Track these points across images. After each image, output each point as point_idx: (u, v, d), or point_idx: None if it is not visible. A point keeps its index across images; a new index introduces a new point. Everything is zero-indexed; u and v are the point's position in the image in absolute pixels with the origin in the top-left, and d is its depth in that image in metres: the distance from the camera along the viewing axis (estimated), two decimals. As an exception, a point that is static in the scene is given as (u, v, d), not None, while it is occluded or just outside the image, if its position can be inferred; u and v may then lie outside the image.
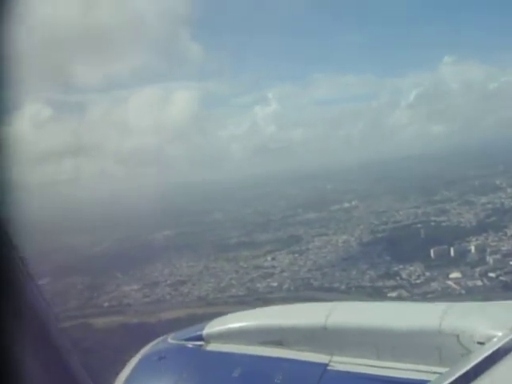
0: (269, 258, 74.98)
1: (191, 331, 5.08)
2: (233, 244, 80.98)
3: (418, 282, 64.87)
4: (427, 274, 65.38)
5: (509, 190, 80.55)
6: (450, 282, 63.27)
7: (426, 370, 3.86)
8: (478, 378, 3.25)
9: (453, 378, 3.26)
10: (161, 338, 5.25)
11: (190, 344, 4.91)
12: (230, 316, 5.08)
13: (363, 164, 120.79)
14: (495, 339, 3.61)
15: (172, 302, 69.29)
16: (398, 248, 70.48)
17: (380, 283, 65.87)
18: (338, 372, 4.17)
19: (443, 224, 75.57)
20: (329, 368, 4.20)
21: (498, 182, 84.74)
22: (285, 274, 70.73)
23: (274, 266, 73.08)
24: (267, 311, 5.31)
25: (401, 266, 67.39)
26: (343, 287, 66.37)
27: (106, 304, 69.33)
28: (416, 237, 73.11)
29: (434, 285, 63.41)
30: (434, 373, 3.76)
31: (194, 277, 73.71)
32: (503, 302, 4.64)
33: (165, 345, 5.07)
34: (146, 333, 59.41)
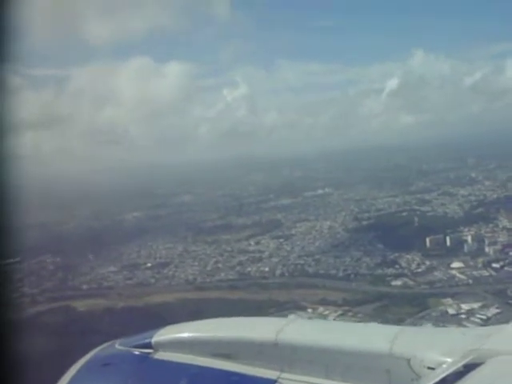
0: (252, 243, 72.47)
1: (140, 338, 4.87)
2: (209, 227, 77.79)
3: (419, 270, 63.37)
4: (427, 262, 64.06)
5: (486, 183, 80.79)
6: (454, 272, 61.79)
7: None
8: None
9: None
10: (108, 343, 4.98)
11: (137, 351, 4.73)
12: (180, 325, 4.93)
13: (331, 153, 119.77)
14: (445, 365, 3.61)
15: (157, 285, 65.68)
16: (389, 236, 68.81)
17: (379, 271, 64.03)
18: None
19: (429, 214, 74.64)
20: None
21: (473, 175, 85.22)
22: (274, 260, 68.22)
23: (260, 251, 70.56)
24: (218, 323, 5.10)
25: (396, 254, 65.68)
26: (341, 274, 64.34)
27: (84, 286, 65.07)
28: (406, 225, 71.90)
29: (438, 274, 62.02)
30: None
31: (175, 259, 70.09)
32: (455, 328, 5.54)
33: (112, 350, 4.87)
34: (134, 317, 55.59)
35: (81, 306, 60.53)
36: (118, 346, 4.91)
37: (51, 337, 51.71)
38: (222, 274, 66.31)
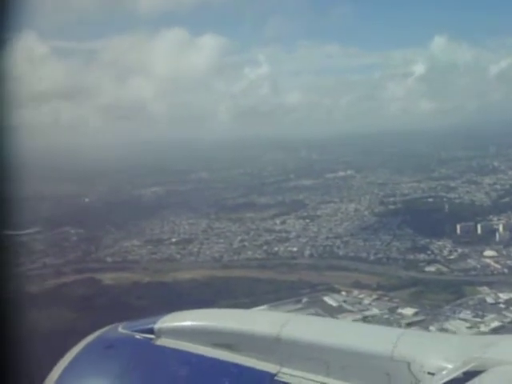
0: (277, 222, 71.26)
1: (143, 323, 4.83)
2: (231, 204, 76.47)
3: (451, 257, 62.61)
4: (459, 250, 63.24)
5: (510, 173, 79.67)
6: (488, 260, 60.85)
7: None
8: None
9: None
10: (110, 326, 4.91)
11: (140, 336, 4.71)
12: (184, 313, 4.91)
13: (350, 136, 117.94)
14: (445, 371, 3.63)
15: (183, 261, 64.57)
16: (418, 221, 67.93)
17: (411, 256, 63.15)
18: (285, 383, 4.14)
19: (457, 201, 73.40)
20: (276, 378, 4.17)
21: (496, 164, 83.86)
22: (302, 240, 67.20)
23: (286, 231, 69.40)
24: (222, 313, 5.10)
25: (427, 240, 64.76)
26: (372, 257, 63.48)
27: (108, 259, 63.87)
28: (434, 211, 70.95)
29: (471, 262, 61.34)
30: None
31: (199, 236, 68.93)
32: (457, 335, 5.42)
33: (114, 334, 4.82)
34: (163, 293, 54.17)
35: (106, 278, 59.39)
36: (121, 329, 4.87)
37: (78, 310, 50.45)
38: (249, 253, 65.20)
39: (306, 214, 73.00)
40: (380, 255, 63.65)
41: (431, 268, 60.84)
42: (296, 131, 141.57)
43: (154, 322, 4.73)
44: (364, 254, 64.02)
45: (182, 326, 4.69)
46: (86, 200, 75.94)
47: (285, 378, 4.15)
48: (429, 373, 3.70)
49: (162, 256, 64.82)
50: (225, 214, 73.36)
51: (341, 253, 64.73)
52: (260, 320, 4.68)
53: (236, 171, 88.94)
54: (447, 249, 63.59)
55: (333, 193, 78.45)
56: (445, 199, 74.36)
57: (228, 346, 4.43)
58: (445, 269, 60.71)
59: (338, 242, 66.36)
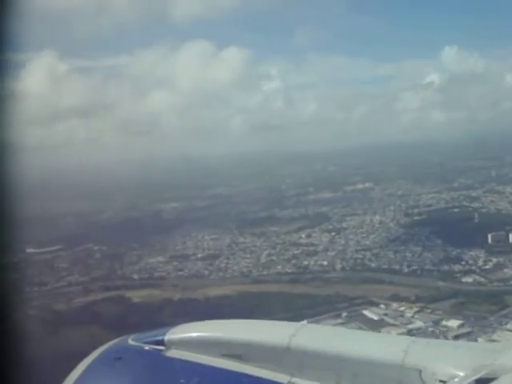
0: (303, 235, 69.76)
1: (153, 335, 4.77)
2: (252, 219, 75.03)
3: (487, 267, 61.36)
4: (493, 259, 62.00)
5: (532, 183, 78.95)
6: (526, 269, 59.84)
7: None
8: None
9: None
10: (120, 338, 4.86)
11: (150, 347, 4.64)
12: (193, 324, 4.85)
13: (364, 148, 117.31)
14: (457, 379, 3.63)
15: (212, 277, 63.01)
16: (446, 232, 66.70)
17: (446, 267, 61.89)
18: None
19: (483, 210, 72.25)
20: None
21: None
22: (330, 253, 65.71)
23: (313, 244, 67.88)
24: (232, 324, 5.02)
25: (459, 250, 63.48)
26: (406, 269, 62.16)
27: (135, 276, 62.32)
28: (462, 221, 69.76)
29: (509, 271, 60.17)
30: None
31: (224, 251, 67.23)
32: (468, 342, 5.23)
33: (124, 345, 4.77)
34: (195, 310, 52.49)
35: (136, 296, 58.03)
36: (131, 341, 4.78)
37: (110, 328, 48.60)
38: (279, 267, 63.65)
39: (331, 226, 71.65)
40: (413, 267, 62.28)
41: (468, 279, 59.64)
42: (311, 144, 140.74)
43: (164, 334, 4.70)
44: (397, 266, 62.63)
45: (192, 337, 4.66)
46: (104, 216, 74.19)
47: None
48: (440, 381, 3.69)
49: (190, 272, 63.30)
50: (248, 228, 71.81)
51: (373, 265, 63.36)
52: (269, 330, 4.69)
53: (253, 185, 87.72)
54: (481, 259, 62.21)
55: (355, 205, 77.24)
56: (470, 209, 73.23)
57: (238, 357, 4.41)
58: (482, 279, 59.56)
59: (368, 254, 65.00)
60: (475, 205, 74.00)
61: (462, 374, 3.61)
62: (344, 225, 71.75)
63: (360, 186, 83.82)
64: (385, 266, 62.92)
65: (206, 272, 63.38)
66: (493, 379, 3.47)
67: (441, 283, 59.26)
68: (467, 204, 74.86)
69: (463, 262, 61.96)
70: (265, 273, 62.92)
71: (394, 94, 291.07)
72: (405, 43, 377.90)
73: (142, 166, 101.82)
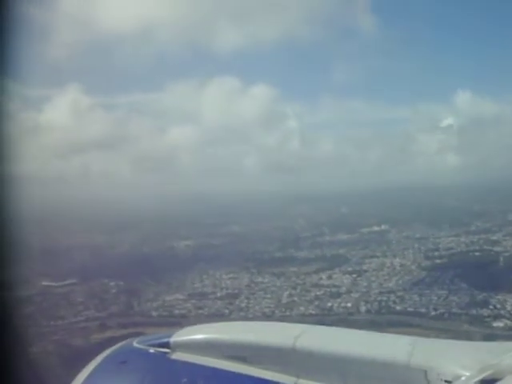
0: (323, 276, 68.19)
1: (158, 338, 4.98)
2: (269, 258, 73.37)
3: (517, 311, 59.35)
4: (522, 303, 60.20)
5: (551, 227, 78.03)
6: (558, 314, 58.37)
7: None
8: None
9: None
10: (125, 341, 5.09)
11: (155, 350, 4.81)
12: (199, 326, 5.07)
13: (376, 190, 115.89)
14: (462, 379, 3.63)
15: (233, 316, 61.04)
16: (470, 275, 65.36)
17: (473, 311, 59.98)
18: None
19: (505, 254, 70.82)
20: None
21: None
22: (354, 295, 64.03)
23: (335, 285, 66.17)
24: (237, 326, 5.30)
25: (485, 294, 61.75)
26: (432, 313, 60.29)
27: (153, 313, 60.58)
28: (486, 265, 68.57)
29: (540, 316, 58.23)
30: None
31: (243, 290, 65.63)
32: (473, 342, 4.65)
33: (129, 349, 4.95)
34: None
35: (154, 334, 55.51)
36: (136, 344, 4.91)
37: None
38: (302, 309, 61.95)
39: (351, 268, 70.02)
40: (440, 310, 60.45)
41: (499, 323, 57.62)
42: (324, 185, 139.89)
43: (169, 336, 4.79)
44: (423, 310, 60.72)
45: (197, 339, 4.69)
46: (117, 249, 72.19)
47: None
48: (446, 381, 3.69)
49: (210, 311, 61.51)
50: (266, 267, 70.16)
51: (398, 308, 61.51)
52: (274, 332, 4.78)
53: (267, 225, 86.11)
54: (509, 303, 60.27)
55: (373, 247, 75.73)
56: (492, 253, 71.87)
57: (243, 359, 4.42)
58: (513, 324, 57.77)
59: (392, 296, 63.18)
60: (497, 249, 72.48)
61: (467, 373, 3.61)
62: (364, 267, 70.09)
63: (376, 228, 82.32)
64: (410, 309, 61.08)
65: (227, 311, 61.47)
66: (498, 379, 3.46)
67: (470, 327, 57.43)
68: (488, 248, 73.31)
69: (491, 306, 59.98)
70: (287, 314, 61.01)
71: (408, 136, 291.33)
72: (418, 87, 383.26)
73: (156, 202, 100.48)
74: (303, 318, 59.44)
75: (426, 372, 3.77)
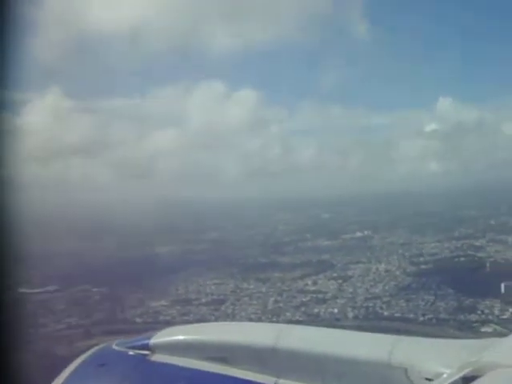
0: (309, 282, 67.56)
1: (138, 340, 4.89)
2: (253, 264, 72.51)
3: (504, 317, 59.37)
4: (510, 309, 60.25)
5: (532, 230, 78.19)
6: (547, 319, 58.30)
7: None
8: None
9: None
10: (104, 344, 5.00)
11: (134, 352, 4.74)
12: (178, 328, 4.95)
13: (357, 196, 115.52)
14: (443, 377, 3.62)
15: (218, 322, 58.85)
16: (456, 281, 65.29)
17: (461, 317, 59.83)
18: None
19: (490, 260, 70.83)
20: None
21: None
22: (340, 301, 63.51)
23: (321, 291, 65.59)
24: (216, 327, 5.34)
25: (472, 300, 61.53)
26: (421, 318, 60.12)
27: (138, 319, 59.49)
28: (471, 270, 68.65)
29: (530, 321, 58.16)
30: None
31: (229, 296, 64.88)
32: (454, 339, 4.59)
33: (108, 351, 4.87)
34: None
35: (139, 341, 54.39)
36: (115, 346, 4.82)
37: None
38: (288, 314, 61.24)
39: (335, 274, 69.40)
40: (428, 316, 60.20)
41: (487, 328, 57.23)
42: (304, 191, 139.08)
43: (149, 338, 4.70)
44: (411, 315, 60.47)
45: (177, 340, 4.63)
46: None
47: None
48: (426, 379, 3.68)
49: (195, 317, 59.97)
50: (250, 273, 69.36)
51: (385, 313, 61.15)
52: (255, 332, 4.66)
53: (248, 231, 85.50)
54: (497, 308, 60.20)
55: (356, 253, 75.30)
56: (476, 258, 71.99)
57: (224, 360, 4.36)
58: (502, 329, 57.30)
59: (378, 302, 62.81)
60: (481, 254, 72.59)
61: (448, 371, 3.59)
62: (349, 273, 69.64)
63: (359, 234, 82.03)
64: (398, 315, 60.75)
65: (213, 317, 60.23)
66: (479, 376, 3.42)
67: (459, 333, 56.83)
68: (472, 253, 73.50)
69: (479, 312, 59.88)
70: (274, 320, 59.81)
71: (389, 143, 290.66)
72: (398, 93, 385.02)
73: (137, 208, 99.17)
74: (290, 324, 58.66)
75: (406, 370, 3.76)
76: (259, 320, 59.06)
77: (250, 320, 59.25)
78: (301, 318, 60.33)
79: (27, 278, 60.98)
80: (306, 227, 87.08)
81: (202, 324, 5.58)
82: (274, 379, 4.18)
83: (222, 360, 4.37)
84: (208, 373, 4.35)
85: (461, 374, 3.50)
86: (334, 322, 59.13)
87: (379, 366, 3.85)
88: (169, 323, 57.81)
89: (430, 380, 3.67)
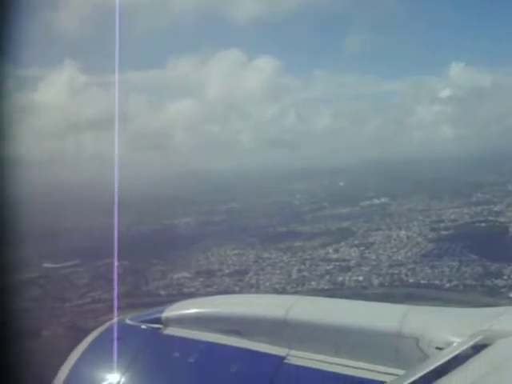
0: (330, 250, 66.80)
1: (150, 314, 4.99)
2: (272, 234, 71.62)
3: (531, 281, 58.64)
4: (535, 273, 59.48)
5: (550, 195, 77.53)
6: None
7: (382, 370, 3.88)
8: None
9: (408, 381, 3.27)
10: (118, 318, 5.05)
11: (147, 326, 4.80)
12: (190, 301, 5.09)
13: (372, 163, 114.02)
14: (454, 345, 3.60)
15: (244, 293, 58.77)
16: (479, 246, 64.30)
17: (488, 282, 59.03)
18: (295, 366, 4.15)
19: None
20: (286, 361, 4.19)
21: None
22: (364, 268, 62.79)
23: (343, 259, 64.89)
24: (228, 299, 5.31)
25: (497, 265, 60.67)
26: (447, 285, 59.30)
27: (162, 292, 59.11)
28: (493, 236, 67.79)
29: (555, 285, 57.60)
30: (391, 374, 3.79)
31: (251, 267, 64.03)
32: (463, 308, 4.59)
33: (122, 325, 4.93)
34: None
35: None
36: (128, 320, 4.91)
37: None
38: (313, 283, 60.61)
39: (357, 242, 68.60)
40: (454, 282, 59.47)
41: (515, 293, 56.87)
42: (320, 159, 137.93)
43: (161, 312, 4.83)
44: (437, 282, 59.84)
45: (189, 314, 4.73)
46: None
47: (294, 361, 4.13)
48: (437, 347, 3.65)
49: (219, 288, 59.33)
50: (270, 243, 68.53)
51: (411, 280, 60.44)
52: (266, 304, 4.76)
53: (265, 200, 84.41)
54: (522, 273, 59.66)
55: (375, 220, 74.42)
56: (497, 223, 70.89)
57: (235, 332, 4.41)
58: (530, 293, 57.01)
59: (403, 269, 62.09)
60: (502, 219, 71.64)
61: (458, 340, 3.58)
62: (370, 240, 68.85)
63: (376, 201, 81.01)
64: (424, 282, 60.12)
65: (237, 288, 59.59)
66: (489, 344, 3.41)
67: (488, 299, 56.28)
68: (493, 218, 72.44)
69: (505, 277, 59.15)
70: (299, 289, 59.48)
71: (404, 109, 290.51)
72: (412, 60, 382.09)
73: (153, 181, 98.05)
74: (316, 293, 57.93)
75: (417, 339, 3.73)
76: (284, 290, 58.63)
77: (275, 290, 58.80)
78: (326, 287, 59.69)
79: (48, 253, 60.89)
80: (323, 195, 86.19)
81: (214, 297, 5.23)
82: (286, 350, 4.18)
83: (234, 332, 4.41)
84: (220, 345, 4.38)
85: (471, 343, 3.49)
86: (361, 291, 58.65)
87: (390, 336, 3.85)
88: (193, 295, 57.19)
89: (440, 349, 3.63)
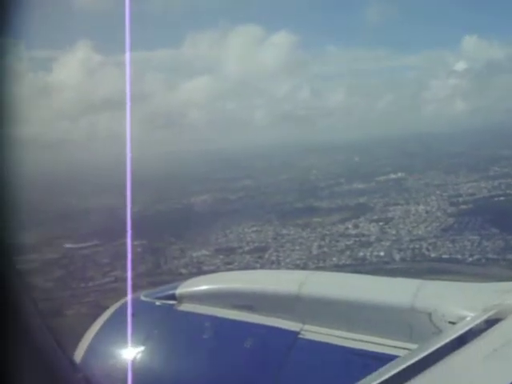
0: (349, 226, 66.29)
1: (164, 290, 5.00)
2: (290, 210, 71.26)
3: (555, 254, 58.20)
4: (560, 247, 59.02)
5: None
6: None
7: (395, 345, 3.91)
8: (447, 358, 3.24)
9: (421, 355, 3.25)
10: (132, 295, 5.00)
11: (162, 303, 4.84)
12: (204, 277, 5.07)
13: (386, 139, 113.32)
14: (467, 320, 3.62)
15: (266, 269, 58.02)
16: (500, 220, 63.33)
17: (511, 256, 58.42)
18: (309, 341, 4.18)
19: (532, 198, 69.47)
20: (300, 336, 4.21)
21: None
22: (385, 243, 62.21)
23: (363, 234, 64.49)
24: (241, 275, 5.40)
25: (518, 239, 60.07)
26: (470, 259, 58.80)
27: (183, 270, 57.90)
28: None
29: None
30: (404, 349, 3.80)
31: (270, 243, 63.60)
32: (476, 283, 4.68)
33: (137, 302, 4.92)
34: None
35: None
36: (143, 297, 4.96)
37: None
38: (334, 259, 60.13)
39: (376, 217, 68.11)
40: (476, 256, 58.99)
41: (539, 266, 56.48)
42: (334, 135, 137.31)
43: (175, 288, 4.86)
44: (459, 256, 59.37)
45: (203, 289, 4.75)
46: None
47: (308, 336, 4.17)
48: (450, 322, 3.69)
49: (240, 265, 58.74)
50: (288, 219, 68.03)
51: (433, 255, 60.06)
52: (279, 279, 4.80)
53: (281, 177, 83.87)
54: (546, 246, 59.28)
55: (393, 195, 73.71)
56: (517, 198, 70.24)
57: (249, 307, 4.46)
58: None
59: (424, 244, 61.69)
60: (522, 193, 71.13)
61: (471, 314, 3.60)
62: (389, 215, 68.25)
63: (393, 176, 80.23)
64: (446, 256, 59.67)
65: (258, 265, 59.05)
66: (502, 319, 3.46)
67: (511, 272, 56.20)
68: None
69: (530, 251, 58.89)
70: (321, 265, 59.01)
71: (417, 84, 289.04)
72: (425, 34, 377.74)
73: (168, 159, 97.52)
74: (339, 269, 57.55)
75: (430, 314, 3.75)
76: (306, 266, 58.19)
77: (296, 266, 58.41)
78: (347, 262, 59.27)
79: (68, 234, 60.63)
80: (339, 171, 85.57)
81: (227, 272, 5.57)
82: (299, 325, 4.20)
83: (248, 308, 4.42)
84: (234, 321, 4.41)
85: (484, 317, 3.50)
86: (383, 266, 58.24)
87: (403, 310, 3.85)
88: (214, 272, 56.88)
89: (453, 323, 3.64)
